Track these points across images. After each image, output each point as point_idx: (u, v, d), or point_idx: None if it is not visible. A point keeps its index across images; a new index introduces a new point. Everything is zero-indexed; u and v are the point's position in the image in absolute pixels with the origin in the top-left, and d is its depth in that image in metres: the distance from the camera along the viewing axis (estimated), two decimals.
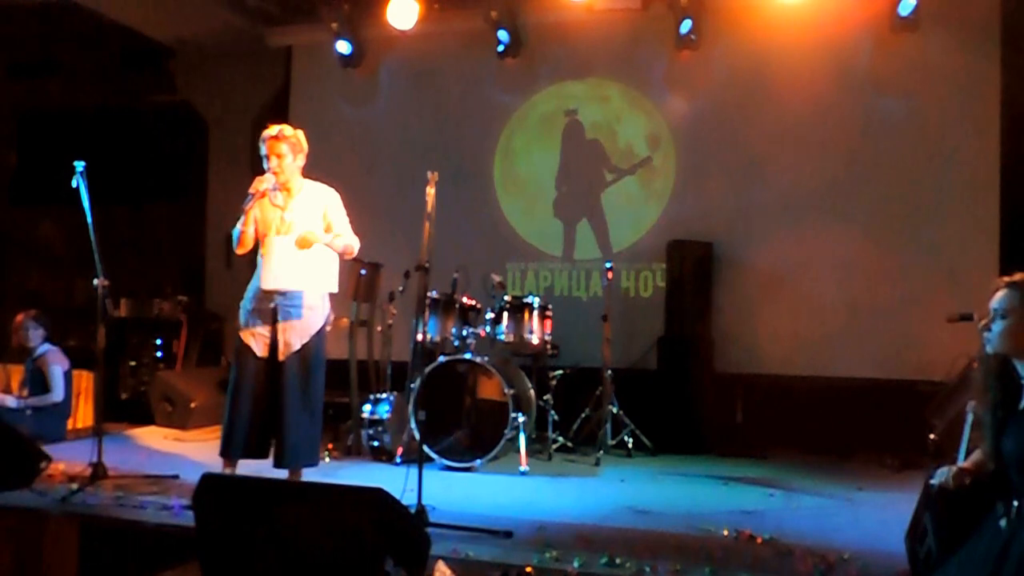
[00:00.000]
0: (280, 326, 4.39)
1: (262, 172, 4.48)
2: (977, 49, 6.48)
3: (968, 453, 2.98)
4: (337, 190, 4.69)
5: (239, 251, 4.49)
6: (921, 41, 6.56)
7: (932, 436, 5.15)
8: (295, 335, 4.40)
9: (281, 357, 4.38)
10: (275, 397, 4.37)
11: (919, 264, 6.55)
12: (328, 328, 4.62)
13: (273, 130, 4.42)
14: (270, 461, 4.41)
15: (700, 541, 3.71)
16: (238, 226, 4.43)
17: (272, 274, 4.36)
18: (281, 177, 4.41)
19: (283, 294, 4.40)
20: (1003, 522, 2.57)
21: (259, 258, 4.46)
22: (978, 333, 2.77)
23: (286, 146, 4.39)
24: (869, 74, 6.72)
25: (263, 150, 4.42)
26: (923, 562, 2.85)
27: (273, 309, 4.40)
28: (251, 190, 4.35)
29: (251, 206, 4.37)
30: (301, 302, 4.43)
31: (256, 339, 4.41)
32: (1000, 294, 2.69)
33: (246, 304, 4.49)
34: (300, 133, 4.50)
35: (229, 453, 4.38)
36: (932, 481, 2.82)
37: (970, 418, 3.21)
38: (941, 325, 4.68)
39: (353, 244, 4.59)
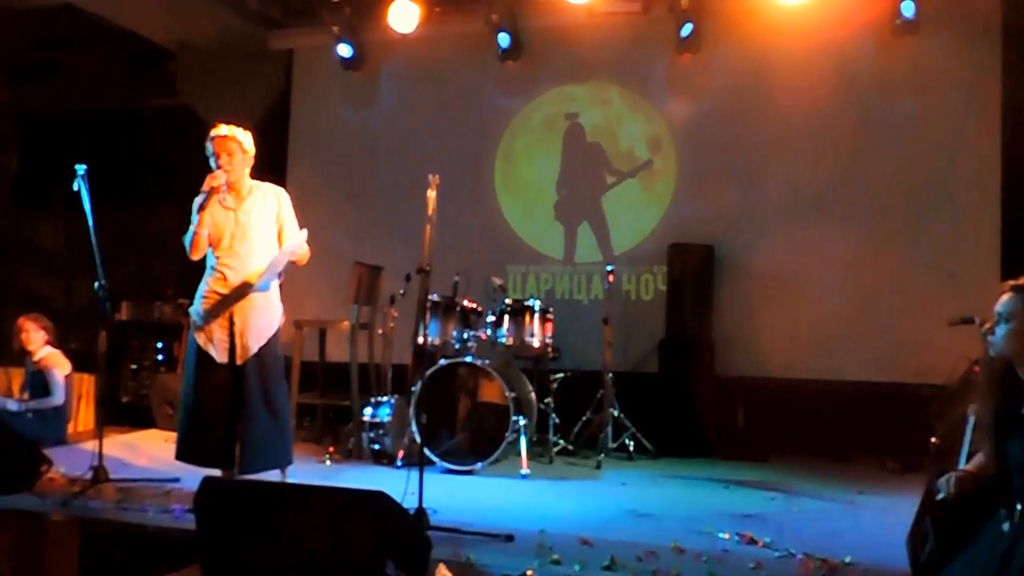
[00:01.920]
0: (237, 330, 4.34)
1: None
2: (978, 51, 6.48)
3: (970, 457, 2.97)
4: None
5: (194, 256, 4.41)
6: (922, 44, 6.56)
7: (934, 439, 5.14)
8: (253, 338, 4.36)
9: (239, 361, 4.33)
10: (236, 402, 4.32)
11: (920, 267, 6.54)
12: (279, 329, 4.57)
13: (222, 129, 4.39)
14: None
15: (701, 545, 3.70)
16: (192, 229, 4.35)
17: (240, 280, 4.34)
18: (231, 176, 4.37)
19: (239, 297, 4.36)
20: (1006, 526, 2.56)
21: (213, 260, 4.42)
22: (981, 336, 2.77)
23: (235, 145, 4.37)
24: (870, 77, 6.72)
25: (211, 148, 4.38)
26: (925, 566, 2.84)
27: (230, 313, 4.36)
28: (204, 187, 4.30)
29: (207, 204, 4.31)
30: (257, 304, 4.39)
31: (216, 344, 4.35)
32: (1005, 298, 2.69)
33: (198, 308, 4.42)
34: (249, 136, 4.47)
35: (194, 460, 4.35)
36: (937, 490, 2.81)
37: (972, 421, 3.20)
38: (942, 328, 4.69)
39: (306, 248, 4.52)
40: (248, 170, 4.48)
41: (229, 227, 4.38)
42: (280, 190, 4.57)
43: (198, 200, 4.33)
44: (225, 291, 4.38)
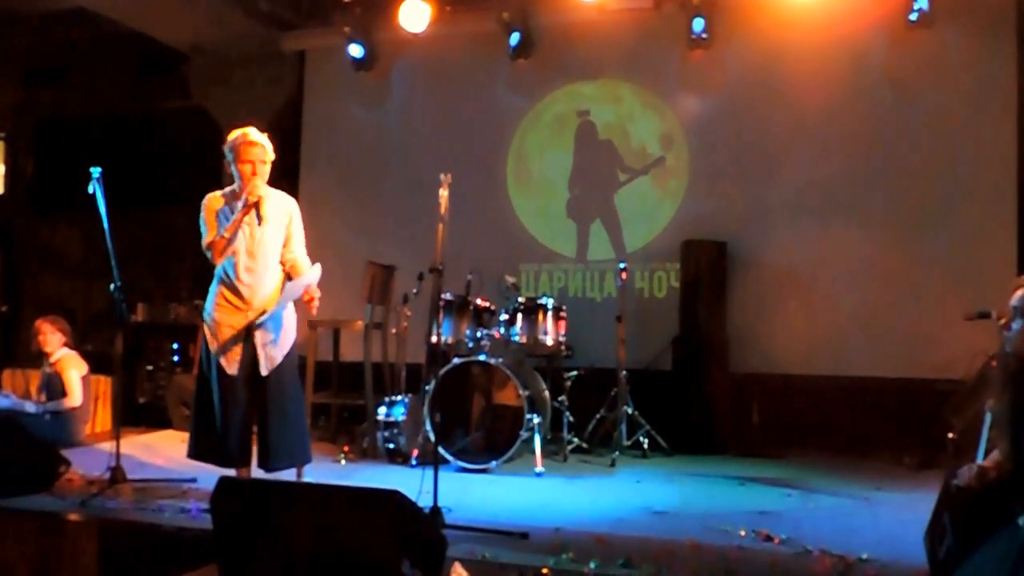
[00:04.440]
0: (259, 342, 4.31)
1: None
2: (993, 45, 6.44)
3: (987, 453, 2.96)
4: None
5: (218, 261, 4.33)
6: (936, 38, 6.52)
7: (951, 435, 5.11)
8: (276, 350, 4.34)
9: (265, 372, 4.31)
10: (258, 408, 4.33)
11: (936, 261, 6.50)
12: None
13: (253, 134, 4.28)
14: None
15: (717, 542, 3.70)
16: (220, 233, 4.26)
17: (258, 294, 4.32)
18: (262, 189, 4.26)
19: (256, 316, 4.32)
20: (1022, 521, 2.55)
21: (228, 270, 4.34)
22: (997, 331, 2.76)
23: (264, 152, 4.29)
24: (883, 71, 6.68)
25: (244, 155, 4.24)
26: (942, 562, 2.83)
27: (247, 325, 4.32)
28: (248, 200, 4.20)
29: (244, 213, 4.23)
30: (279, 315, 4.36)
31: (226, 356, 4.31)
32: (1020, 293, 2.68)
33: (211, 312, 4.36)
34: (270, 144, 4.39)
35: (205, 458, 4.37)
36: (955, 481, 2.80)
37: (989, 417, 3.19)
38: (958, 323, 4.65)
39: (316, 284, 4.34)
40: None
41: (245, 241, 4.31)
42: (292, 202, 4.49)
43: (237, 207, 4.24)
44: (241, 306, 4.33)
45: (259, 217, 4.27)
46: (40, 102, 9.17)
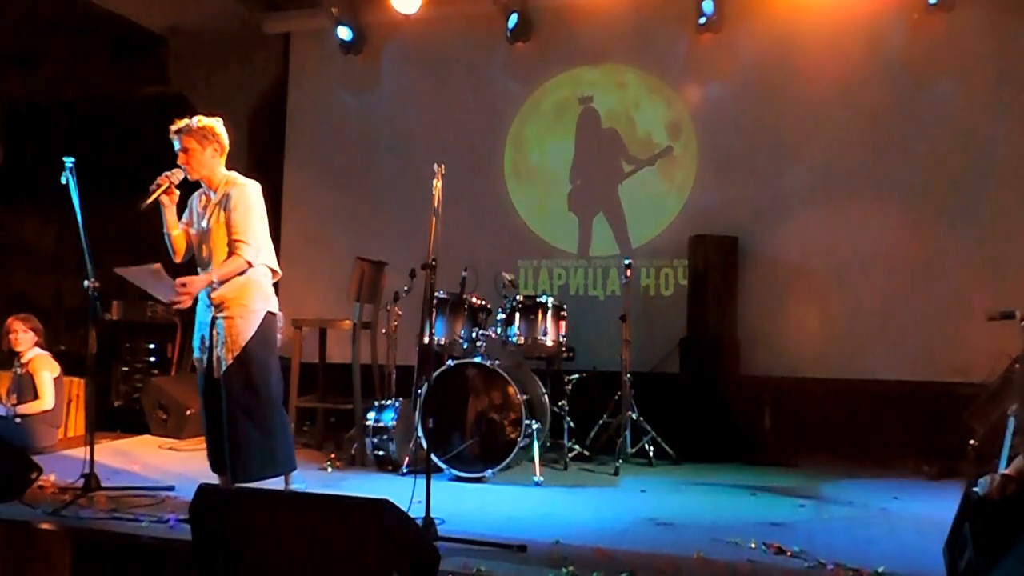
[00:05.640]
0: (210, 343, 4.43)
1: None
2: (1016, 28, 6.45)
3: (1010, 460, 2.98)
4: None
5: (176, 260, 4.53)
6: (957, 20, 6.54)
7: (972, 442, 5.13)
8: (225, 349, 4.38)
9: (215, 375, 4.40)
10: (218, 413, 4.40)
11: (957, 258, 6.52)
12: (280, 334, 4.58)
13: (180, 124, 4.43)
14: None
15: (726, 555, 3.71)
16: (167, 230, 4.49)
17: (217, 290, 4.41)
18: (194, 174, 4.42)
19: (215, 306, 4.42)
20: None
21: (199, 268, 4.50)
22: (1021, 332, 2.77)
23: (193, 140, 4.39)
24: (902, 57, 6.70)
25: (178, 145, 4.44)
26: (963, 575, 2.85)
27: (209, 323, 4.45)
28: (159, 180, 4.37)
29: (149, 200, 4.34)
30: (232, 313, 4.40)
31: (201, 354, 4.51)
32: None
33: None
34: (215, 123, 4.46)
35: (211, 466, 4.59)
36: (976, 490, 2.82)
37: (1012, 423, 3.20)
38: (981, 323, 4.68)
39: (236, 265, 4.37)
40: (219, 162, 4.48)
41: (200, 235, 4.48)
42: (241, 187, 4.44)
43: (196, 201, 4.47)
44: (209, 303, 4.45)
45: (204, 199, 4.47)
46: (9, 87, 9.16)
